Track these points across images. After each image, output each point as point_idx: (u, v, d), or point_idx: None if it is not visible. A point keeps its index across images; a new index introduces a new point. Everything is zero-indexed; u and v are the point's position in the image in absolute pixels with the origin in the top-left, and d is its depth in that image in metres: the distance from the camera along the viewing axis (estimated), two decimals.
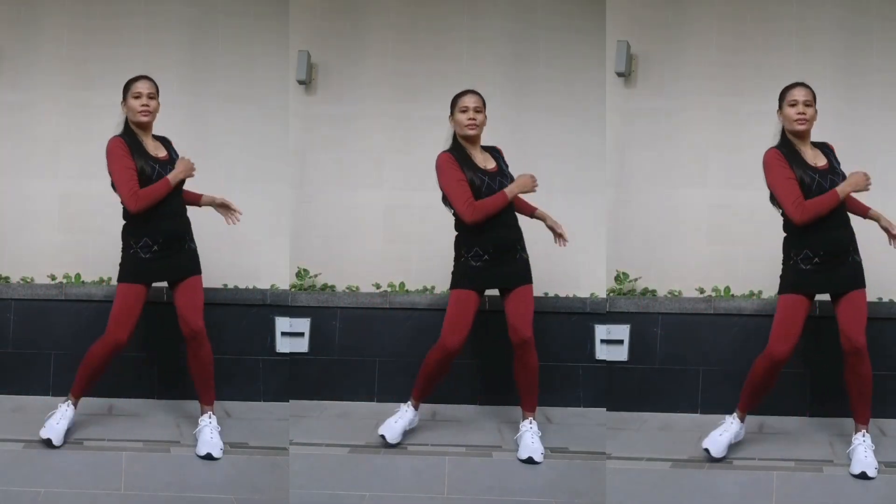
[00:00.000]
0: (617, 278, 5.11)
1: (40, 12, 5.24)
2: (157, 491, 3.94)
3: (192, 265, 4.33)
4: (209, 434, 4.25)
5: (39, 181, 5.07)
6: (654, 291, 5.10)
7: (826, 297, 4.21)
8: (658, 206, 5.15)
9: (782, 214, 4.15)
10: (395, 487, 4.04)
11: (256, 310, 5.06)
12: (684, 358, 4.95)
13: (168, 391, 4.98)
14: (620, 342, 4.99)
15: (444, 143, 4.37)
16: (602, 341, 5.00)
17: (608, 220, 5.08)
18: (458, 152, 4.31)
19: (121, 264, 4.28)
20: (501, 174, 4.33)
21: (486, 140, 4.40)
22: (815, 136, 4.17)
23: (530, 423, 4.35)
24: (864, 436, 4.15)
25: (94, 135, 4.97)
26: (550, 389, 5.01)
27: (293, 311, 5.07)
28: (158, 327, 4.84)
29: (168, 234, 4.23)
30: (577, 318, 5.06)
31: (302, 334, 5.07)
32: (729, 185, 5.07)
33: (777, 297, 4.18)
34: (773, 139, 4.21)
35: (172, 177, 4.18)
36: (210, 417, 4.31)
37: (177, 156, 4.33)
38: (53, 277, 5.16)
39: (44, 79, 5.23)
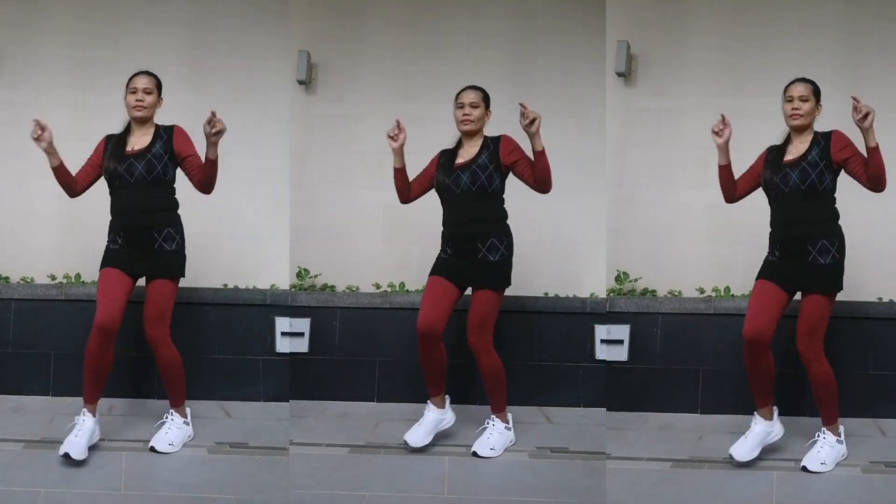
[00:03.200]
0: (617, 278, 5.11)
1: (40, 12, 5.24)
2: (157, 491, 3.94)
3: (158, 268, 4.18)
4: (164, 431, 4.27)
5: (39, 181, 5.05)
6: (654, 291, 5.10)
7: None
8: (658, 206, 5.15)
9: None
10: (395, 487, 4.04)
11: (256, 310, 5.06)
12: (684, 358, 4.95)
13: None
14: (620, 342, 4.98)
15: (453, 141, 4.42)
16: (602, 341, 5.00)
17: (608, 220, 5.07)
18: (452, 149, 4.38)
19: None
20: (465, 167, 4.29)
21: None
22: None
23: (492, 420, 4.38)
24: (823, 434, 4.18)
25: (93, 134, 4.95)
26: (550, 389, 5.01)
27: (293, 311, 5.07)
28: None
29: (127, 229, 4.18)
30: (577, 318, 5.06)
31: (302, 334, 5.07)
32: None
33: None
34: (776, 138, 4.27)
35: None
36: (172, 416, 4.31)
37: (163, 147, 4.22)
38: (53, 277, 5.16)
39: (44, 78, 5.23)
